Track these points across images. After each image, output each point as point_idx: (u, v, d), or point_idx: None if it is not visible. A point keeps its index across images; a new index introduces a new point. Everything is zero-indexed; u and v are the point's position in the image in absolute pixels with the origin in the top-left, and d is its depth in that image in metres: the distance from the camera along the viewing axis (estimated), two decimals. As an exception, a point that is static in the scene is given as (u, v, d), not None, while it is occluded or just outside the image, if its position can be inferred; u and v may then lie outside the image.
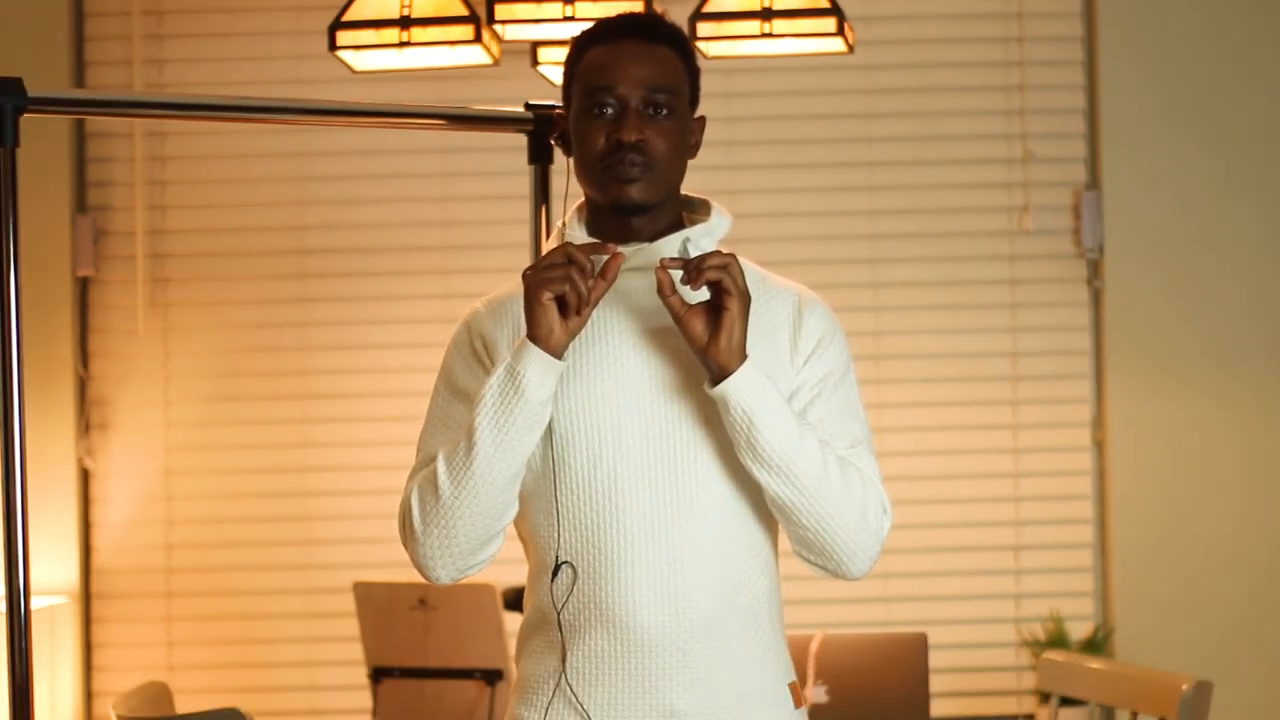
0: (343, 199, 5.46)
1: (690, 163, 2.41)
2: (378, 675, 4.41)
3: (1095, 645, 5.20)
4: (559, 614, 2.33)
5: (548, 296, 2.26)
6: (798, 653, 3.74)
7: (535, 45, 4.24)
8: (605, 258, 2.28)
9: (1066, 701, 3.62)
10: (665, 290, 2.28)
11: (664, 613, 2.30)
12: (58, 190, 5.36)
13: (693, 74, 2.41)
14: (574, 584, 2.33)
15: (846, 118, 5.46)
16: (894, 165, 5.43)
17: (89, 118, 5.26)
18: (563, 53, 2.44)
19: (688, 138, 2.39)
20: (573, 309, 2.26)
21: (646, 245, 2.37)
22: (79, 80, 5.44)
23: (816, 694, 3.90)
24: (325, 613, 5.35)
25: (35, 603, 4.70)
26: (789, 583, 2.52)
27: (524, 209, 3.37)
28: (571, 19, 3.78)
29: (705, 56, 3.95)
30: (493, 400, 2.27)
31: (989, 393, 5.39)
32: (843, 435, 2.37)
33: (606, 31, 2.39)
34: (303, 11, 5.41)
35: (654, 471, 2.32)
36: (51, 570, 5.27)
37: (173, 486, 5.41)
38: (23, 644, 2.81)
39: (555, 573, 2.34)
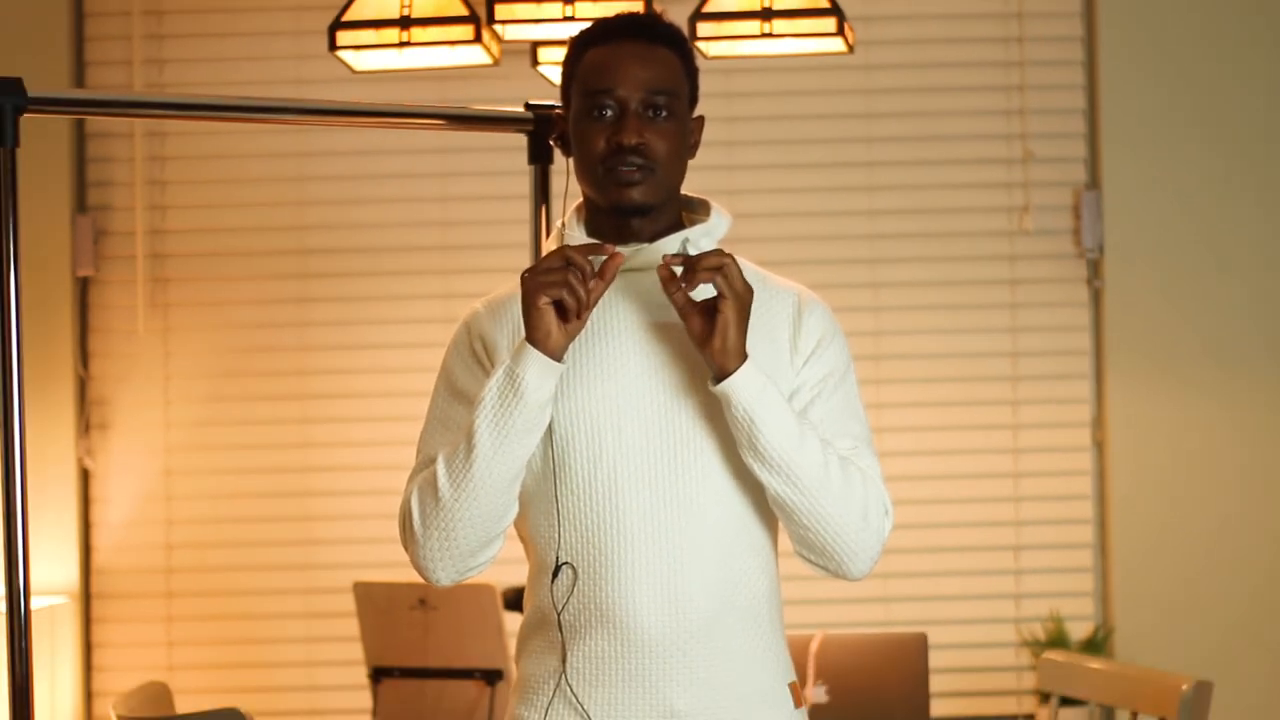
0: (343, 199, 5.46)
1: (690, 163, 2.41)
2: (378, 675, 4.41)
3: (1095, 645, 5.20)
4: (559, 615, 2.33)
5: (545, 300, 2.25)
6: (798, 653, 3.74)
7: (535, 45, 4.24)
8: (604, 258, 2.28)
9: (1066, 701, 3.62)
10: (669, 286, 2.28)
11: (664, 613, 2.30)
12: (58, 190, 5.36)
13: (692, 74, 2.41)
14: (574, 585, 2.33)
15: (846, 118, 5.45)
16: (894, 165, 5.43)
17: (89, 118, 5.26)
18: (563, 53, 2.44)
19: (687, 138, 2.39)
20: (572, 312, 2.26)
21: (646, 246, 2.37)
22: (79, 80, 5.44)
23: (816, 694, 3.90)
24: (325, 613, 5.35)
25: (35, 603, 4.70)
26: (789, 583, 2.52)
27: (524, 209, 3.37)
28: (571, 19, 3.78)
29: (705, 56, 3.95)
30: (492, 403, 2.27)
31: (989, 393, 5.39)
32: (843, 435, 2.37)
33: (605, 32, 2.38)
34: (303, 11, 5.41)
35: (654, 472, 2.32)
36: (51, 570, 5.27)
37: (173, 486, 5.41)
38: (23, 644, 2.81)
39: (555, 574, 2.34)
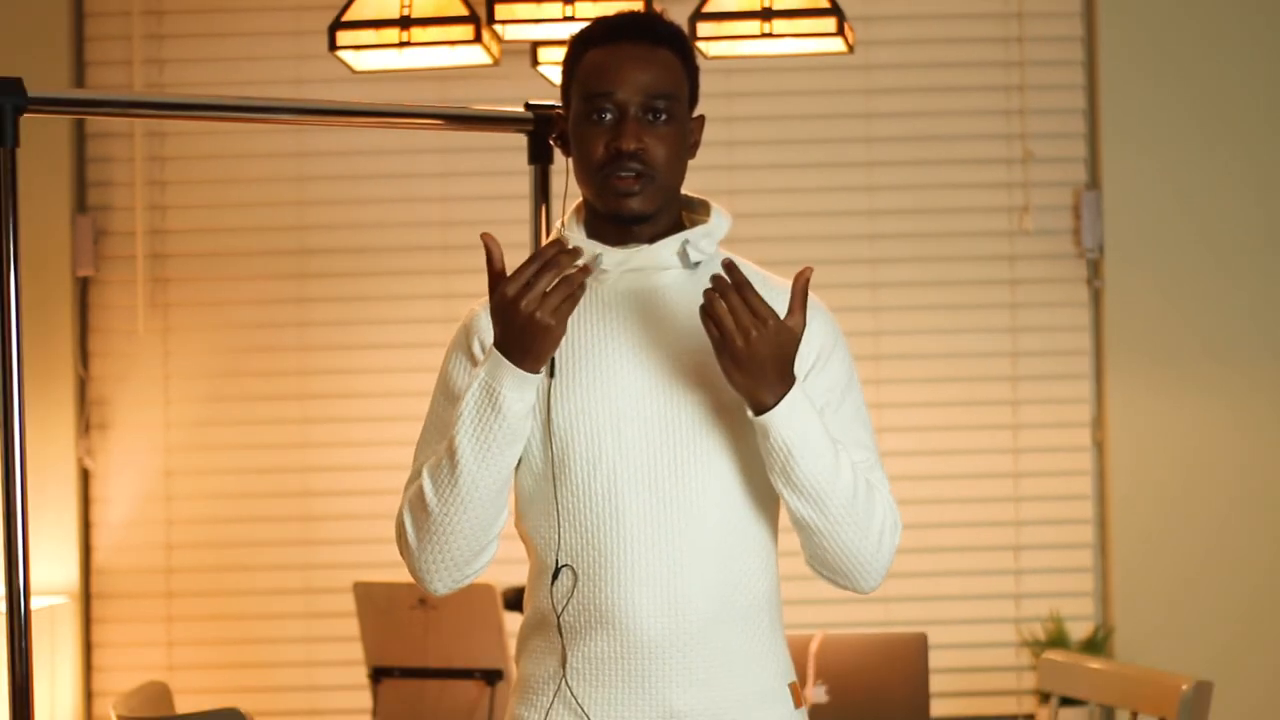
0: (343, 199, 5.46)
1: (690, 162, 2.40)
2: (378, 675, 4.41)
3: (1095, 645, 5.20)
4: (559, 617, 2.33)
5: (549, 320, 2.21)
6: (798, 653, 3.73)
7: (535, 45, 4.23)
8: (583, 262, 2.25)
9: (1066, 701, 3.62)
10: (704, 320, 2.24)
11: (664, 615, 2.30)
12: (58, 190, 5.35)
13: (692, 74, 2.39)
14: (574, 587, 2.32)
15: (846, 118, 5.45)
16: (894, 165, 5.43)
17: (89, 118, 5.26)
18: (563, 53, 2.43)
19: (687, 139, 2.38)
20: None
21: (645, 247, 2.37)
22: (79, 80, 5.44)
23: (816, 694, 3.89)
24: (325, 613, 5.35)
25: (35, 603, 4.70)
26: (789, 583, 2.52)
27: (524, 209, 3.36)
28: (571, 19, 3.77)
29: (705, 56, 3.95)
30: (471, 418, 2.25)
31: (989, 393, 5.39)
32: (857, 446, 2.36)
33: (605, 32, 2.36)
34: (303, 11, 5.41)
35: (654, 474, 2.31)
36: (51, 570, 5.27)
37: (173, 486, 5.41)
38: (23, 644, 2.80)
39: (555, 576, 2.33)
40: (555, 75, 4.21)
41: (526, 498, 2.36)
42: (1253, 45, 5.34)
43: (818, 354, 2.37)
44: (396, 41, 3.84)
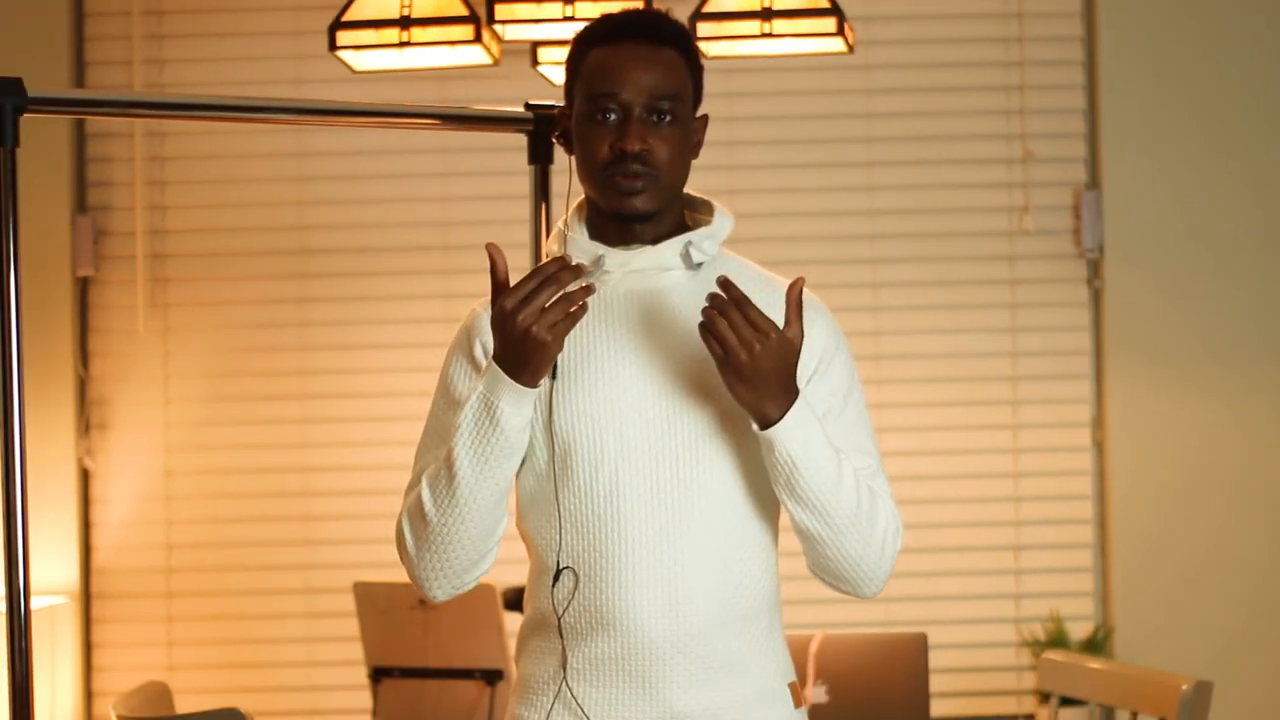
0: (343, 199, 5.46)
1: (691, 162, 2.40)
2: (378, 675, 4.41)
3: (1095, 645, 5.20)
4: (559, 619, 2.33)
5: (547, 336, 2.20)
6: (798, 653, 3.73)
7: (535, 45, 4.23)
8: (587, 272, 2.25)
9: (1066, 701, 3.62)
10: (709, 343, 2.23)
11: (665, 617, 2.29)
12: (58, 190, 5.35)
13: (696, 74, 2.38)
14: (575, 588, 2.32)
15: (846, 118, 5.45)
16: (894, 165, 5.43)
17: (89, 118, 5.26)
18: (563, 53, 2.43)
19: (690, 139, 2.37)
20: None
21: (648, 248, 2.36)
22: (79, 80, 5.44)
23: (816, 694, 3.89)
24: (325, 613, 5.35)
25: (35, 603, 4.70)
26: (789, 583, 2.52)
27: (524, 209, 3.36)
28: (571, 19, 3.77)
29: (705, 56, 3.94)
30: (468, 431, 2.25)
31: (989, 393, 5.39)
32: (859, 452, 2.36)
33: (610, 31, 2.35)
34: (303, 11, 5.41)
35: (656, 475, 2.30)
36: (51, 570, 5.27)
37: (173, 486, 5.41)
38: (23, 644, 2.81)
39: (556, 578, 2.33)
40: (555, 75, 4.21)
41: (528, 498, 2.36)
42: (1253, 45, 5.34)
43: (819, 359, 2.36)
44: (396, 41, 3.84)
